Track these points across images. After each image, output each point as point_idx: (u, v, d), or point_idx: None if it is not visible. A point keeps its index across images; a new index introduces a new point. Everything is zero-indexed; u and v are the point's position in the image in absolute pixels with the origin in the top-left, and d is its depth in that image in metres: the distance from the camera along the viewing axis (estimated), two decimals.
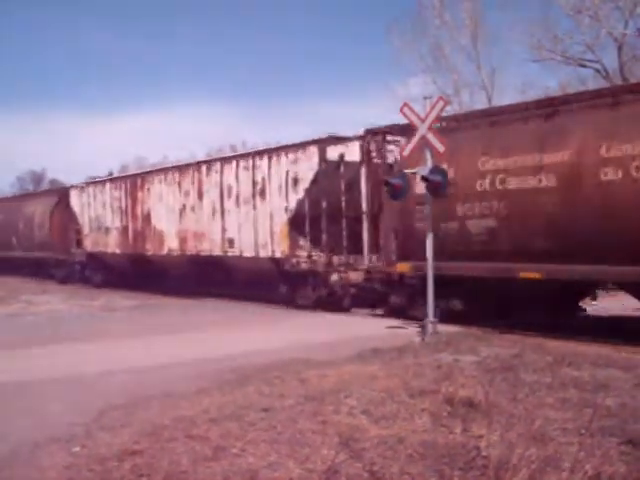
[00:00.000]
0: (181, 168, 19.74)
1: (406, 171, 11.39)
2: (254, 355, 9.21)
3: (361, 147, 14.13)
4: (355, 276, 14.36)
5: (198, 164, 19.06)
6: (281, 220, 15.43)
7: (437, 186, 10.64)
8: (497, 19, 54.37)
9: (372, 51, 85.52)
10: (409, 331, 11.20)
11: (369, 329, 11.63)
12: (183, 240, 19.08)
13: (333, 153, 14.62)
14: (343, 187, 14.59)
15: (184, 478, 4.64)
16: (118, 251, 22.52)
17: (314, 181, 14.83)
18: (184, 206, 19.00)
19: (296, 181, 15.19)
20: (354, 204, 14.31)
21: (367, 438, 5.24)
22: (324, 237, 14.73)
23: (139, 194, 21.17)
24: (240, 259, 16.91)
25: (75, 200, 25.22)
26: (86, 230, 24.48)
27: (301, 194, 15.10)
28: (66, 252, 25.41)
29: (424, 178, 10.59)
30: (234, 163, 17.23)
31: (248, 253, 16.55)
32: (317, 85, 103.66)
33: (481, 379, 6.98)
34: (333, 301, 14.67)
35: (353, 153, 14.31)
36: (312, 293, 15.13)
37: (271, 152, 16.37)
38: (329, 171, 14.64)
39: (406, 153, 11.17)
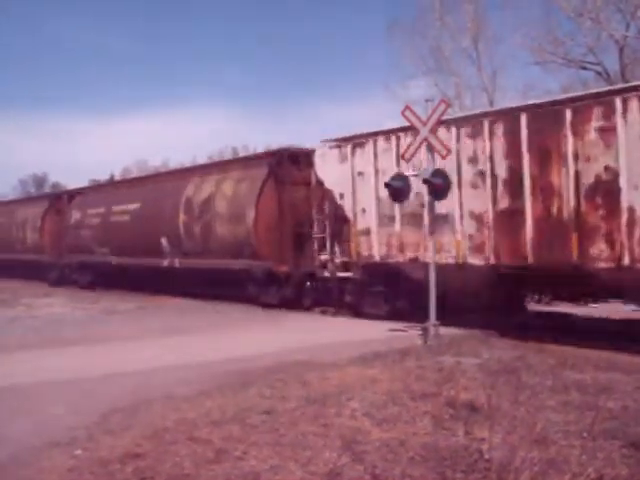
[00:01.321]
0: None
1: (406, 173, 11.36)
2: (259, 358, 9.20)
3: None
4: None
5: None
6: None
7: (438, 188, 10.64)
8: (498, 21, 54.60)
9: (372, 53, 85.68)
10: (411, 334, 11.18)
11: (371, 331, 11.61)
12: None
13: None
14: None
15: None
16: (475, 261, 11.48)
17: None
18: None
19: None
20: None
21: (369, 441, 5.24)
22: None
23: (562, 144, 10.21)
24: None
25: (328, 168, 14.32)
26: (365, 222, 13.45)
27: None
28: (286, 259, 15.67)
29: (426, 181, 10.58)
30: None
31: None
32: (317, 86, 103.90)
33: (483, 382, 6.98)
34: None
35: None
36: None
37: None
38: None
39: (408, 156, 11.15)
